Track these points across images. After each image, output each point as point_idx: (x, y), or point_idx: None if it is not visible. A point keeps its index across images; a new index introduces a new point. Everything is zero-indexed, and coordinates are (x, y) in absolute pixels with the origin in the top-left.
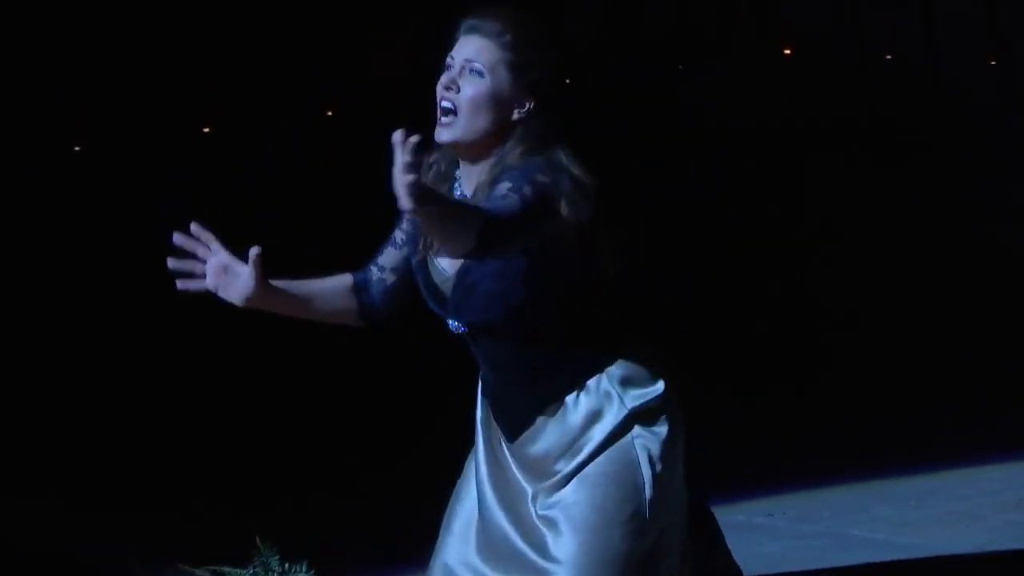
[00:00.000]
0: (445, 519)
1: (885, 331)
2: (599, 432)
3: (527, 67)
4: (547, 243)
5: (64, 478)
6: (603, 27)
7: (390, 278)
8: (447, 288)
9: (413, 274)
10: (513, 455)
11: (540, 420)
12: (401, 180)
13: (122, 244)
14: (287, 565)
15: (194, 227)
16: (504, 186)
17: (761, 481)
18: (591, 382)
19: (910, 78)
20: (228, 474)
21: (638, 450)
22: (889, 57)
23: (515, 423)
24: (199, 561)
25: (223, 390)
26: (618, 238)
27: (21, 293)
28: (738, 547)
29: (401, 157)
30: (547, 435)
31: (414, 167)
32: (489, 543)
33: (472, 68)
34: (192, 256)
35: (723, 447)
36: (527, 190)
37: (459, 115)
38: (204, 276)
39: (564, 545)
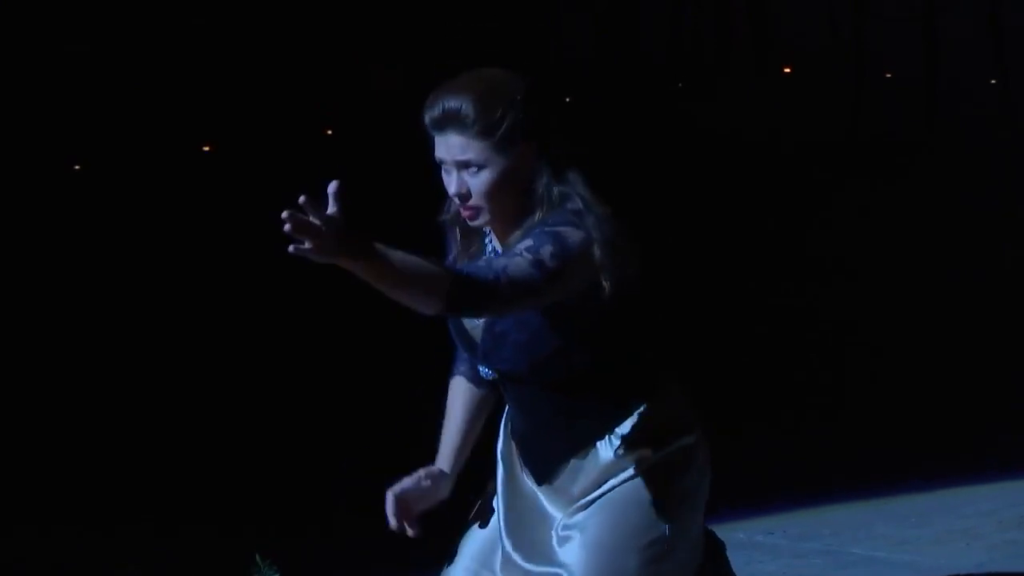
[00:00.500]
0: (462, 542)
1: (886, 349)
2: (628, 471)
3: (512, 132)
4: (572, 296)
5: (62, 496)
6: (599, 46)
7: None
8: (477, 335)
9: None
10: (540, 489)
11: (571, 463)
12: (293, 226)
13: (120, 261)
14: None
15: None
16: (524, 243)
17: (761, 499)
18: (622, 426)
19: (910, 96)
20: (227, 490)
21: (664, 484)
22: (889, 76)
23: (544, 466)
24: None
25: (223, 406)
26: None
27: (10, 310)
28: (738, 565)
29: (308, 208)
30: (577, 477)
31: (329, 220)
32: (506, 564)
33: (469, 167)
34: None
35: (724, 465)
36: (546, 251)
37: (483, 209)
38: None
39: (575, 559)
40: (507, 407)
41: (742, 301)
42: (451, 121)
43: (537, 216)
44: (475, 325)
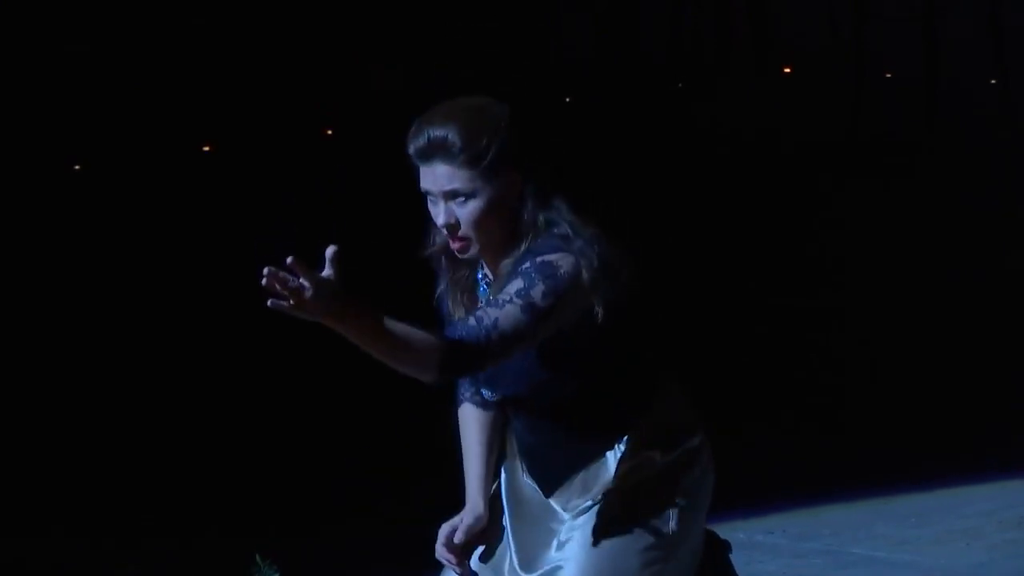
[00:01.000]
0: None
1: (886, 349)
2: (634, 478)
3: (498, 160)
4: (566, 326)
5: (62, 497)
6: (599, 46)
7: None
8: None
9: None
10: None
11: (579, 476)
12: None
13: (121, 261)
14: None
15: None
16: (514, 285)
17: (762, 499)
18: (628, 436)
19: (910, 96)
20: (228, 490)
21: (668, 485)
22: (889, 76)
23: (553, 480)
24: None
25: (224, 407)
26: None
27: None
28: (739, 565)
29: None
30: (587, 488)
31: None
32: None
33: (456, 197)
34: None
35: (724, 465)
36: (537, 292)
37: (472, 239)
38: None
39: (575, 559)
40: (513, 422)
41: (742, 301)
42: (437, 151)
43: (525, 244)
44: None
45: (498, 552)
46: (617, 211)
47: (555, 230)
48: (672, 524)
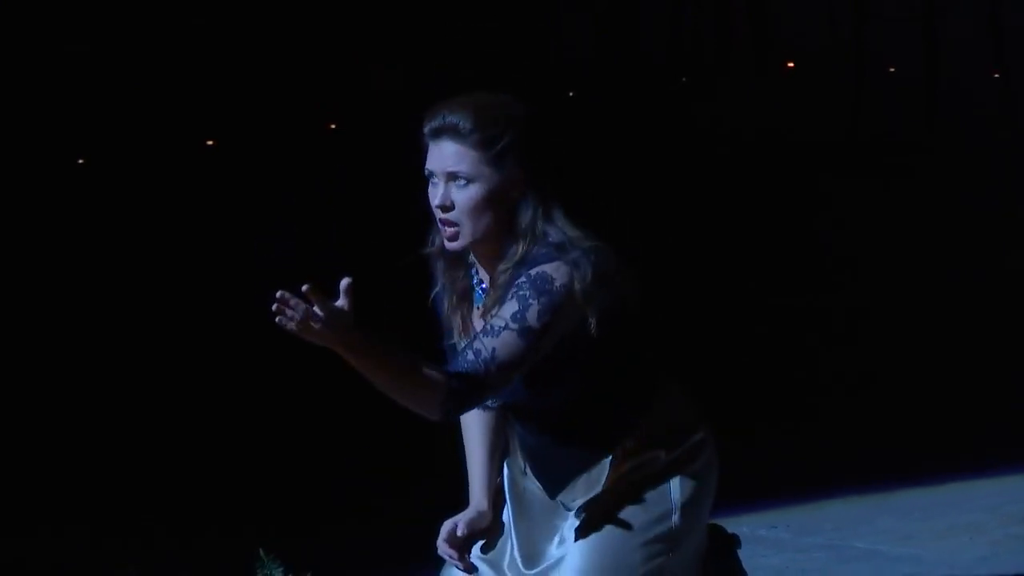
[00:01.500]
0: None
1: (887, 345)
2: (637, 475)
3: (507, 151)
4: (562, 340)
5: (62, 496)
6: (599, 46)
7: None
8: None
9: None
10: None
11: (583, 477)
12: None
13: (124, 256)
14: None
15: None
16: (508, 309)
17: (764, 493)
18: (631, 437)
19: (910, 96)
20: (229, 489)
21: (672, 482)
22: (892, 70)
23: (557, 482)
24: (202, 575)
25: (225, 406)
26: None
27: (13, 306)
28: (742, 559)
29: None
30: (591, 488)
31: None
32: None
33: (457, 179)
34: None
35: (726, 461)
36: (532, 313)
37: (462, 226)
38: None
39: (579, 553)
40: (515, 425)
41: (742, 301)
42: (449, 130)
43: (519, 248)
44: None
45: (499, 546)
46: (617, 211)
47: (550, 239)
48: (675, 518)
